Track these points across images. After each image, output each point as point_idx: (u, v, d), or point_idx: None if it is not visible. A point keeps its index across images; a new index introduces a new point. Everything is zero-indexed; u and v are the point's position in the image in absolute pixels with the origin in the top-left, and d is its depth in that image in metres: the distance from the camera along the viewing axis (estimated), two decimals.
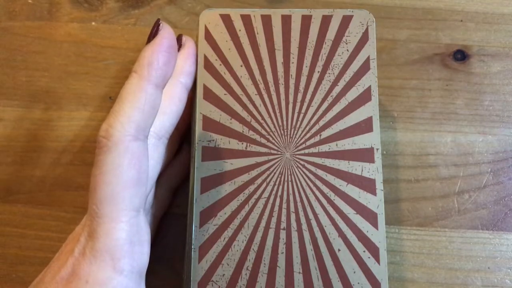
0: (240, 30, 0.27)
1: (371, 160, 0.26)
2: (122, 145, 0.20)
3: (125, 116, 0.20)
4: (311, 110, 0.26)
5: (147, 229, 0.22)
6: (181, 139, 0.29)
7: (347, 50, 0.27)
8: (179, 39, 0.25)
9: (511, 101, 0.32)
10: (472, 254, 0.29)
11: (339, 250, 0.25)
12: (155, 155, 0.24)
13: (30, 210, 0.30)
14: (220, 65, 0.26)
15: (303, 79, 0.26)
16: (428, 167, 0.30)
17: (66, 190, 0.30)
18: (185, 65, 0.25)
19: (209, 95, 0.26)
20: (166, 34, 0.21)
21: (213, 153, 0.25)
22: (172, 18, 0.33)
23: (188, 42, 0.26)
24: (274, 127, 0.26)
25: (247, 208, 0.25)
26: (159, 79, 0.21)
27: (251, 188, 0.25)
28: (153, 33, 0.22)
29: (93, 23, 0.33)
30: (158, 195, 0.27)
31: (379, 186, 0.25)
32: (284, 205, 0.25)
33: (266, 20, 0.27)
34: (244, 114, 0.26)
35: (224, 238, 0.25)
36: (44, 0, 0.33)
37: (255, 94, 0.26)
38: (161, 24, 0.22)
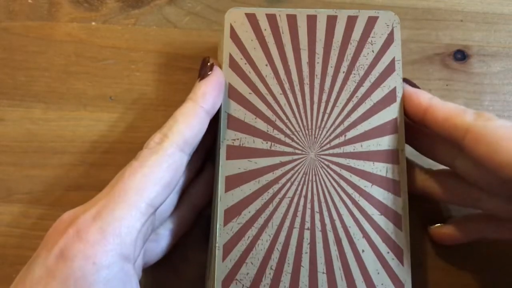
0: (265, 30, 0.27)
1: (396, 162, 0.26)
2: (169, 150, 0.23)
3: (178, 131, 0.23)
4: (336, 111, 0.26)
5: (151, 230, 0.23)
6: (204, 158, 0.29)
7: (372, 51, 0.27)
8: (211, 66, 0.26)
9: (511, 101, 0.32)
10: None
11: (363, 251, 0.25)
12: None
13: (30, 210, 0.30)
14: (245, 64, 0.26)
15: (328, 79, 0.26)
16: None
17: (66, 190, 0.30)
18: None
19: (234, 94, 0.26)
20: (219, 74, 0.25)
21: (238, 152, 0.25)
22: (172, 18, 0.33)
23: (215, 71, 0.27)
24: (299, 126, 0.26)
25: (271, 207, 0.25)
26: (209, 107, 0.24)
27: (276, 187, 0.25)
28: (204, 71, 0.25)
29: (93, 23, 0.33)
30: (179, 213, 0.27)
31: (404, 188, 0.25)
32: (309, 205, 0.25)
33: (292, 20, 0.27)
34: (268, 113, 0.26)
35: (248, 237, 0.25)
36: (44, 0, 0.33)
37: (280, 94, 0.26)
38: (214, 66, 0.26)
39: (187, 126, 0.23)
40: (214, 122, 0.26)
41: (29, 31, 0.33)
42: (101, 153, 0.31)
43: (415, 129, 0.27)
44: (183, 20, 0.33)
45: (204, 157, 0.29)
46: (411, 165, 0.28)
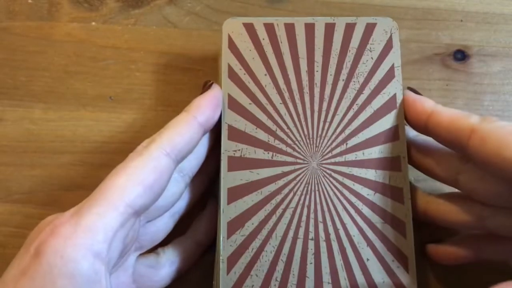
0: (263, 39, 0.27)
1: (398, 169, 0.25)
2: (154, 153, 0.23)
3: (166, 137, 0.23)
4: (337, 119, 0.26)
5: (134, 236, 0.23)
6: (207, 186, 0.28)
7: (372, 58, 0.27)
8: (210, 85, 0.27)
9: (511, 101, 0.32)
10: None
11: (368, 259, 0.25)
12: (173, 189, 0.25)
13: (30, 210, 0.30)
14: (244, 74, 0.26)
15: (328, 88, 0.26)
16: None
17: (66, 190, 0.30)
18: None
19: (234, 105, 0.26)
20: (217, 90, 0.26)
21: (239, 163, 0.25)
22: (172, 18, 0.33)
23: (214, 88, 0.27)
24: (300, 136, 0.26)
25: (274, 218, 0.25)
26: (204, 120, 0.24)
27: (278, 198, 0.25)
28: (205, 89, 0.26)
29: (93, 23, 0.33)
30: (182, 247, 0.27)
31: (407, 195, 0.25)
32: (312, 215, 0.25)
33: (290, 29, 0.27)
34: (269, 123, 0.26)
35: (252, 249, 0.24)
36: (44, 0, 0.33)
37: (280, 103, 0.26)
38: (213, 84, 0.26)
39: (176, 132, 0.23)
40: (214, 150, 0.26)
41: (29, 31, 0.33)
42: (101, 153, 0.31)
43: (415, 147, 0.27)
44: (183, 20, 0.33)
45: (207, 184, 0.28)
46: (411, 191, 0.27)
